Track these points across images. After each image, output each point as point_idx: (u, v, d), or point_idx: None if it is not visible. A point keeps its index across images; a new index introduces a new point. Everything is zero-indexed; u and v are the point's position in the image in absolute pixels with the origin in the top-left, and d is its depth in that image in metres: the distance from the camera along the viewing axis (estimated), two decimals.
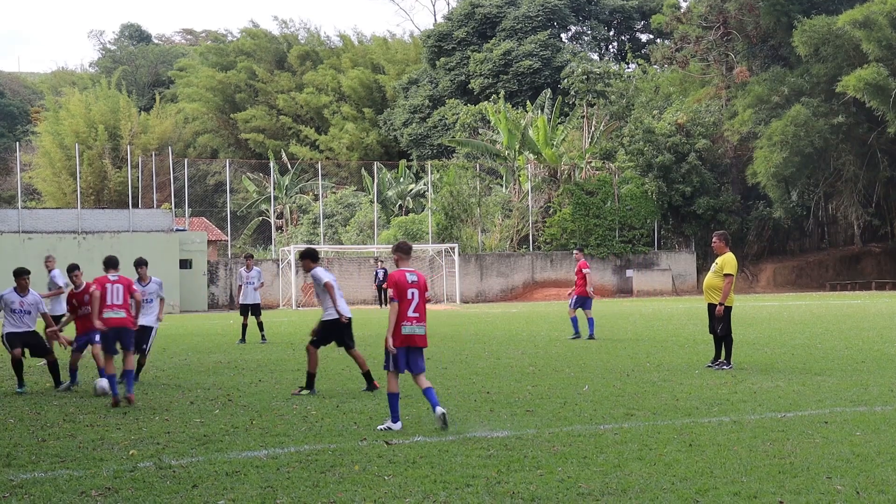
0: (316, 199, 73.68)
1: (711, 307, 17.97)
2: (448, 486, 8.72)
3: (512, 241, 64.44)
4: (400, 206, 75.42)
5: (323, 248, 61.89)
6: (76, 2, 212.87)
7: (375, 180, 69.59)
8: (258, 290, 27.13)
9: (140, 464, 9.86)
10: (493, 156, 69.00)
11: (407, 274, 11.74)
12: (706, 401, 13.71)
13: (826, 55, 62.47)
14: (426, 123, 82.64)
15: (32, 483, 9.10)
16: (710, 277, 18.15)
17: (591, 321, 25.30)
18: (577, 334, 25.35)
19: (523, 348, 22.78)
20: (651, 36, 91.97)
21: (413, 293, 11.65)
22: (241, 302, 27.20)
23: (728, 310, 17.76)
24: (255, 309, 26.88)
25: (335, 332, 15.64)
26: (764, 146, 62.18)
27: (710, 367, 17.78)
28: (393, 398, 11.64)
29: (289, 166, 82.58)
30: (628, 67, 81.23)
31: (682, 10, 73.89)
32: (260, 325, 26.93)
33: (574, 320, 25.56)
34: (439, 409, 11.54)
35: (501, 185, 68.23)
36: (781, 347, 20.94)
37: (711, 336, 18.34)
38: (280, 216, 78.80)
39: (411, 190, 75.82)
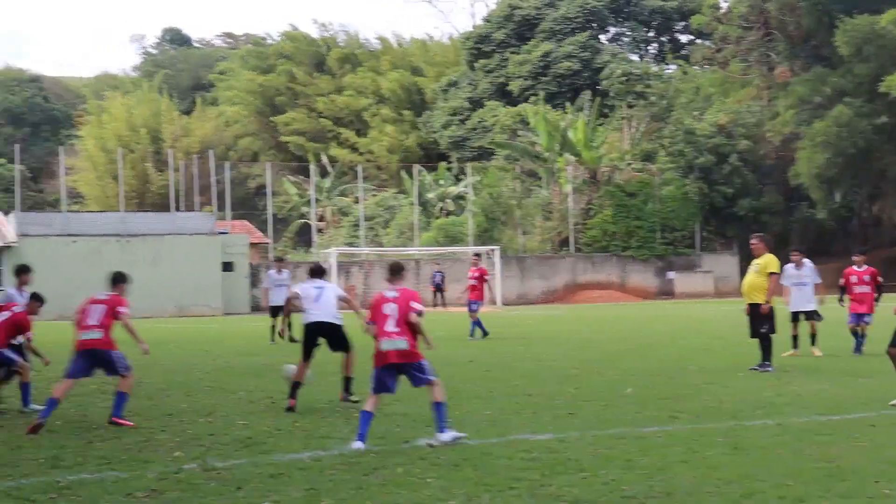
0: (356, 201, 73.78)
1: (753, 307, 17.86)
2: (491, 488, 8.71)
3: (553, 243, 64.30)
4: (440, 208, 75.39)
5: (363, 251, 62.04)
6: (118, 7, 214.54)
7: (415, 182, 69.61)
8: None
9: (185, 466, 9.92)
10: (533, 158, 68.89)
11: (386, 293, 11.44)
12: (750, 403, 13.63)
13: (869, 55, 61.83)
14: (466, 125, 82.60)
15: (79, 484, 9.18)
16: (751, 278, 18.02)
17: (475, 323, 27.49)
18: (486, 333, 27.22)
19: (565, 350, 22.74)
20: (691, 36, 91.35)
21: (391, 308, 11.21)
22: (272, 304, 27.51)
23: (771, 309, 17.69)
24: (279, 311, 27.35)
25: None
26: (806, 147, 61.68)
27: (753, 369, 17.67)
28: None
29: (329, 169, 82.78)
30: (668, 68, 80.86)
31: (722, 11, 73.42)
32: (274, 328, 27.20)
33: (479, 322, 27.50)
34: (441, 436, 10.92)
35: (541, 187, 68.09)
36: (826, 349, 20.75)
37: (754, 339, 18.20)
38: (321, 219, 79.00)
39: (451, 192, 75.78)
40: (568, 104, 73.57)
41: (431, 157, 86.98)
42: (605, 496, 8.38)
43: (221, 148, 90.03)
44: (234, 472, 9.61)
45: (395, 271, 12.03)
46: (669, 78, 75.13)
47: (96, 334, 12.91)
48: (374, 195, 78.70)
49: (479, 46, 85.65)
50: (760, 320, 17.67)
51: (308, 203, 75.97)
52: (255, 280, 56.02)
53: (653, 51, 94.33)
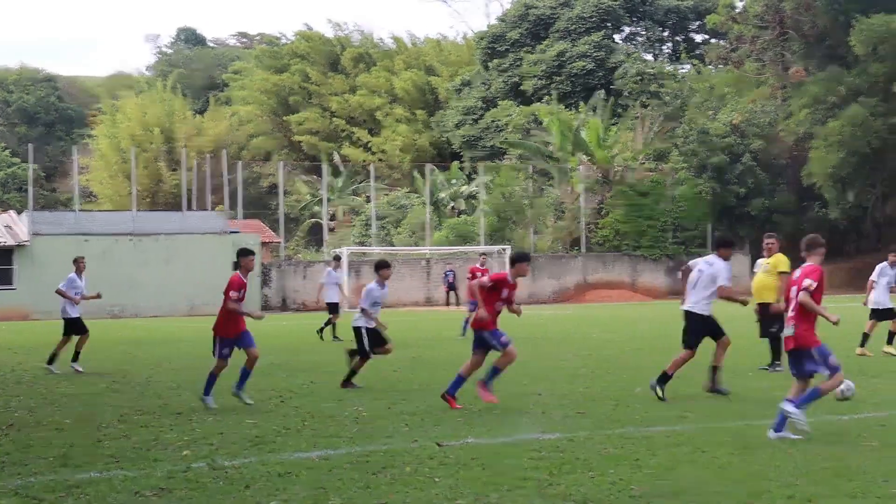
0: (368, 200, 73.88)
1: (764, 307, 17.76)
2: (499, 487, 8.70)
3: (564, 242, 64.25)
4: (452, 207, 75.42)
5: (375, 251, 62.04)
6: (133, 6, 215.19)
7: (427, 182, 69.61)
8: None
9: (193, 464, 9.93)
10: (546, 157, 68.82)
11: (797, 272, 11.29)
12: (760, 403, 13.60)
13: (884, 54, 61.56)
14: (479, 125, 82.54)
15: (88, 483, 9.20)
16: (762, 277, 17.91)
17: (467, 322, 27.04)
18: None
19: (575, 350, 22.72)
20: (706, 36, 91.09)
21: (794, 291, 11.12)
22: (330, 301, 28.78)
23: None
24: (337, 307, 28.32)
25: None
26: (820, 146, 61.47)
27: (763, 369, 17.62)
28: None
29: (341, 168, 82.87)
30: (682, 68, 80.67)
31: (737, 10, 73.24)
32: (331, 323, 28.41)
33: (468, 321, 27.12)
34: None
35: (553, 187, 68.03)
36: (837, 350, 20.56)
37: (765, 339, 18.12)
38: (333, 218, 79.09)
39: (463, 191, 75.80)
40: (581, 104, 73.47)
41: (444, 156, 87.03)
42: (613, 495, 8.36)
43: (234, 147, 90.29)
44: (243, 470, 9.62)
45: (810, 246, 11.25)
46: (683, 77, 74.97)
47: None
48: (386, 194, 78.75)
49: (494, 46, 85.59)
50: (771, 320, 17.57)
51: (320, 202, 76.07)
52: (266, 279, 56.10)
53: (667, 50, 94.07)
